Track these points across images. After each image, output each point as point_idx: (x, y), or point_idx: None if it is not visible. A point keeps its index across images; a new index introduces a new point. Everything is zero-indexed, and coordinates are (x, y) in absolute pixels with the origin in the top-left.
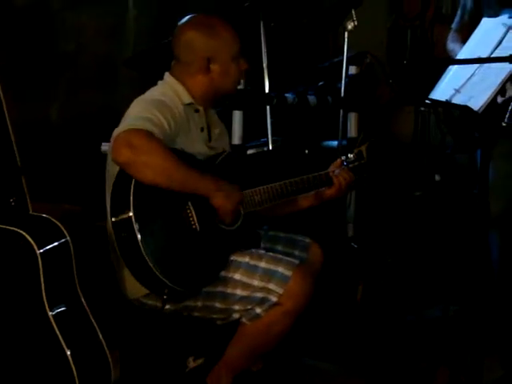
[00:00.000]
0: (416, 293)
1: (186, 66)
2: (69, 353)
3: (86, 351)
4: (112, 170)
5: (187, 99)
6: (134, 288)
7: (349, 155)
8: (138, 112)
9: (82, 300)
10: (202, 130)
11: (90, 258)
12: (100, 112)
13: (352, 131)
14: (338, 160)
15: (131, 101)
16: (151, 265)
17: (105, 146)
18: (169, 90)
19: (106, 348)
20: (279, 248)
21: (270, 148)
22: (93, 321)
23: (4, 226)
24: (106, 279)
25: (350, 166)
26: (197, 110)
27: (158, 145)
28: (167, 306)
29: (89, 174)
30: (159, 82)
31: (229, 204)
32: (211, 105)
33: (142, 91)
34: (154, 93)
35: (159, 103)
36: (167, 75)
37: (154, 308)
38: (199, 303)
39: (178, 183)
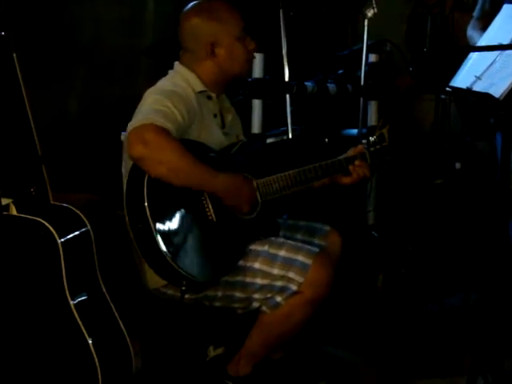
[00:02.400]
0: (437, 281)
1: (192, 53)
2: (90, 342)
3: (108, 340)
4: (127, 162)
5: (199, 87)
6: (154, 278)
7: (370, 138)
8: (150, 104)
9: (103, 289)
10: (215, 116)
11: (111, 248)
12: (119, 102)
13: (372, 119)
14: (360, 146)
15: None
16: (167, 257)
17: (123, 136)
18: (180, 80)
19: (127, 337)
20: (298, 236)
21: (290, 137)
22: (114, 310)
23: (25, 216)
24: (127, 269)
25: (371, 149)
26: (209, 97)
27: (172, 141)
28: (187, 296)
29: (108, 163)
30: (170, 72)
31: (240, 203)
32: (224, 90)
33: None
34: (165, 83)
35: (171, 94)
36: (177, 64)
37: (174, 298)
38: (219, 293)
39: (189, 182)
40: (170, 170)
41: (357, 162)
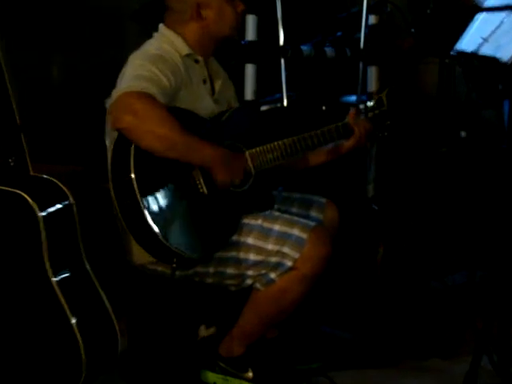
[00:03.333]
0: (440, 257)
1: (178, 14)
2: (74, 321)
3: (92, 320)
4: (112, 132)
5: (185, 50)
6: (141, 253)
7: (368, 103)
8: (135, 70)
9: (87, 266)
10: (204, 82)
11: (95, 222)
12: (105, 68)
13: (372, 85)
14: (353, 108)
15: None
16: (157, 232)
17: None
18: (164, 43)
19: (112, 316)
20: (294, 210)
21: (285, 104)
22: (98, 287)
23: (3, 188)
24: (112, 244)
25: (370, 114)
26: (196, 61)
27: (160, 109)
28: (177, 273)
29: (92, 132)
30: (154, 35)
31: (230, 177)
32: (211, 53)
33: None
34: (149, 47)
35: (156, 58)
36: (162, 27)
37: (163, 274)
38: (211, 269)
39: (176, 154)
40: (157, 140)
41: (355, 120)
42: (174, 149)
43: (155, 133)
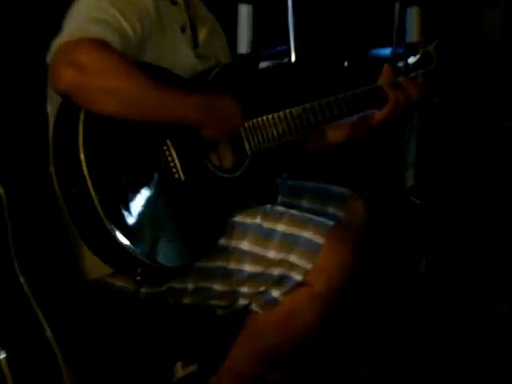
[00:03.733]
0: (504, 270)
1: None
2: (2, 356)
3: (27, 354)
4: (54, 95)
5: None
6: (96, 264)
7: (409, 60)
8: (85, 10)
9: (21, 278)
10: (182, 30)
11: (33, 220)
12: (43, 10)
13: (412, 33)
14: (387, 65)
15: None
16: (114, 233)
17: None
18: None
19: (56, 349)
20: (305, 204)
21: (293, 59)
22: (37, 309)
23: None
24: (56, 250)
25: (412, 75)
26: (174, 2)
27: (118, 59)
28: (143, 290)
29: (30, 97)
30: None
31: (225, 129)
32: None
33: None
34: None
35: None
36: None
37: (125, 292)
38: (190, 285)
39: (149, 111)
40: (118, 101)
41: (390, 82)
42: (142, 107)
43: (112, 89)
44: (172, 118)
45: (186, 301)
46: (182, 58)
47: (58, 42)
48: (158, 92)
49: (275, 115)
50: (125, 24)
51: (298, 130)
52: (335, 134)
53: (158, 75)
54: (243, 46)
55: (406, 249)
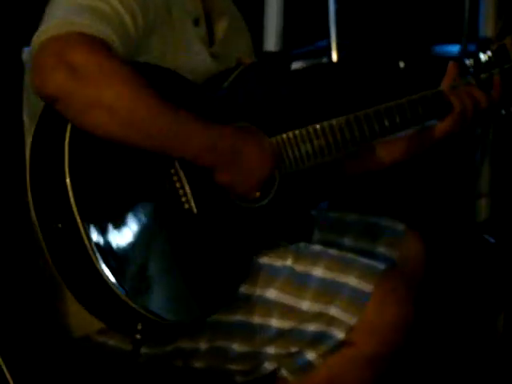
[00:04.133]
0: None
1: None
2: None
3: None
4: (33, 102)
5: None
6: (82, 318)
7: (481, 55)
8: None
9: None
10: (195, 22)
11: (9, 261)
12: None
13: (487, 26)
14: (452, 65)
15: None
16: (108, 280)
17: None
18: None
19: None
20: (349, 242)
21: (334, 58)
22: (7, 377)
23: None
24: (33, 301)
25: (482, 76)
26: None
27: (119, 66)
28: (143, 350)
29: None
30: None
31: (249, 182)
32: None
33: None
34: None
35: None
36: None
37: (120, 352)
38: (203, 344)
39: (148, 141)
40: (111, 116)
41: (455, 86)
42: (142, 132)
43: (107, 102)
44: (182, 155)
45: (198, 364)
46: (193, 57)
47: (44, 33)
48: (168, 117)
49: (310, 128)
50: (125, 14)
51: (339, 148)
52: (386, 152)
53: (163, 79)
54: (271, 42)
55: (479, 300)
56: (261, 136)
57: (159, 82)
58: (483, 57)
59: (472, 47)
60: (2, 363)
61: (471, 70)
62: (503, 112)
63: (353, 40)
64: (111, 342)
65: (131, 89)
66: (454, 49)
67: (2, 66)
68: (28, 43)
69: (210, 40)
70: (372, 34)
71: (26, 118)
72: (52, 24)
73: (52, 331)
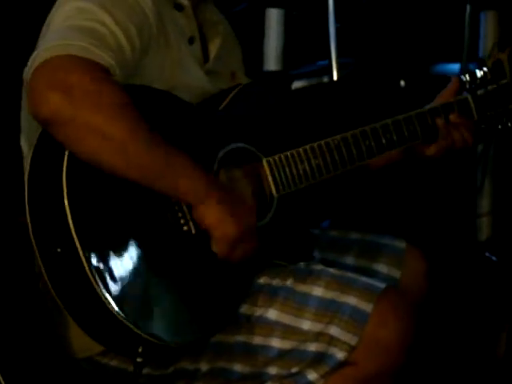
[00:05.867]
0: None
1: None
2: None
3: None
4: (31, 126)
5: None
6: (84, 339)
7: (477, 71)
8: (72, 17)
9: None
10: (190, 41)
11: (5, 283)
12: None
13: (487, 45)
14: (455, 80)
15: None
16: (109, 302)
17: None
18: None
19: None
20: (350, 261)
21: (335, 77)
22: None
23: None
24: (33, 323)
25: (480, 92)
26: (179, 7)
27: (116, 92)
28: (145, 371)
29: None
30: None
31: (230, 230)
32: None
33: None
34: None
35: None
36: None
37: (122, 373)
38: (204, 365)
39: (147, 176)
40: (107, 145)
41: (452, 117)
42: (139, 168)
43: (100, 128)
44: (164, 190)
45: None
46: (189, 75)
47: (41, 55)
48: (156, 154)
49: (307, 148)
50: (121, 36)
51: (336, 166)
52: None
53: (157, 101)
54: (272, 62)
55: (481, 319)
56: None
57: (155, 105)
58: (479, 73)
59: (472, 66)
60: None
61: (467, 86)
62: (500, 127)
63: (354, 58)
64: (113, 363)
65: (125, 119)
66: (455, 67)
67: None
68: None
69: (204, 57)
70: (373, 53)
71: (23, 144)
72: (47, 46)
73: (54, 353)
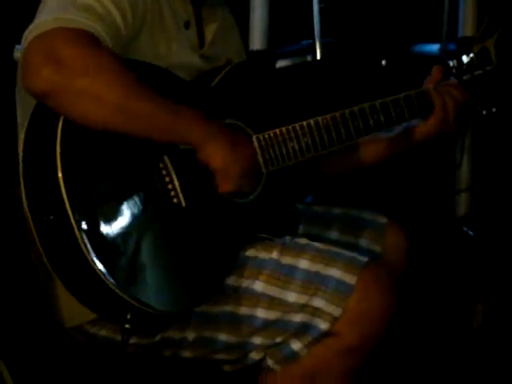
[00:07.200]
0: None
1: None
2: None
3: None
4: (26, 99)
5: None
6: (73, 308)
7: (463, 58)
8: None
9: None
10: (186, 25)
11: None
12: None
13: (466, 25)
14: (437, 68)
15: None
16: (98, 270)
17: (19, 52)
18: None
19: None
20: (333, 235)
21: (318, 56)
22: (4, 370)
23: None
24: (24, 291)
25: (465, 78)
26: None
27: (109, 60)
28: (132, 341)
29: None
30: None
31: (233, 168)
32: None
33: None
34: None
35: None
36: None
37: (111, 343)
38: (191, 334)
39: (143, 126)
40: (105, 110)
41: (437, 86)
42: (135, 120)
43: (99, 94)
44: (168, 138)
45: (186, 354)
46: (184, 59)
47: (31, 31)
48: (154, 103)
49: (297, 126)
50: (115, 12)
51: (324, 145)
52: (370, 151)
53: (153, 74)
54: (257, 41)
55: (457, 293)
56: (244, 136)
57: (150, 77)
58: (465, 59)
59: (452, 46)
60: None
61: (454, 71)
62: (484, 113)
63: (337, 38)
64: (102, 333)
65: (120, 77)
66: (434, 48)
67: None
68: (19, 41)
69: (200, 42)
70: (355, 33)
71: (19, 114)
72: (40, 21)
73: (44, 321)
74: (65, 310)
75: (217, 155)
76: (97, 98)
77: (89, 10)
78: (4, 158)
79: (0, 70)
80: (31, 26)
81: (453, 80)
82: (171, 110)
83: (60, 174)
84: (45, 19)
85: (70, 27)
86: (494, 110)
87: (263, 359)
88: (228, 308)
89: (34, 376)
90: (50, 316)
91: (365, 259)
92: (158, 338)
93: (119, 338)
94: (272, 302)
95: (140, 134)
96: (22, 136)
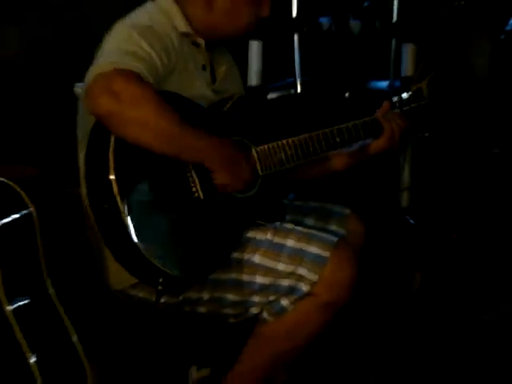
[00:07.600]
0: (491, 282)
1: None
2: (33, 360)
3: (56, 358)
4: (85, 121)
5: (183, 27)
6: (119, 275)
7: (403, 95)
8: (119, 43)
9: (51, 290)
10: (203, 68)
11: (61, 236)
12: (74, 45)
13: (407, 67)
14: (386, 102)
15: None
16: (139, 245)
17: (79, 88)
18: (158, 13)
19: (81, 354)
20: (310, 222)
21: (299, 90)
22: (65, 318)
23: None
24: (83, 263)
25: (405, 109)
26: (196, 44)
27: (151, 93)
28: (163, 300)
29: (55, 124)
30: (148, 3)
31: (234, 179)
32: (215, 41)
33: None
34: (139, 16)
35: (147, 31)
36: None
37: (146, 302)
38: (205, 295)
39: (174, 149)
40: (147, 134)
41: (387, 116)
42: (168, 143)
43: (144, 122)
44: (192, 160)
45: (201, 310)
46: (199, 91)
47: (93, 71)
48: (186, 133)
49: (284, 142)
50: (155, 57)
51: (304, 156)
52: (337, 162)
53: (180, 103)
54: (253, 79)
55: (402, 265)
56: (245, 150)
57: (180, 104)
58: (405, 95)
59: (397, 83)
60: (63, 312)
61: (397, 104)
62: (419, 135)
63: (312, 77)
64: (140, 294)
65: (160, 110)
66: (384, 84)
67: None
68: (77, 80)
69: (212, 80)
70: (325, 73)
71: (79, 135)
72: (100, 64)
73: (96, 285)
74: (112, 275)
75: (221, 177)
76: (142, 126)
77: (138, 57)
78: (67, 167)
79: (62, 104)
80: (92, 67)
81: (397, 110)
82: (196, 141)
83: (113, 176)
84: (104, 62)
85: (121, 68)
86: (426, 134)
87: (259, 313)
88: (233, 275)
89: (86, 325)
90: (101, 281)
91: (335, 239)
92: (180, 298)
93: (153, 298)
94: (267, 271)
95: (170, 155)
96: (82, 150)
